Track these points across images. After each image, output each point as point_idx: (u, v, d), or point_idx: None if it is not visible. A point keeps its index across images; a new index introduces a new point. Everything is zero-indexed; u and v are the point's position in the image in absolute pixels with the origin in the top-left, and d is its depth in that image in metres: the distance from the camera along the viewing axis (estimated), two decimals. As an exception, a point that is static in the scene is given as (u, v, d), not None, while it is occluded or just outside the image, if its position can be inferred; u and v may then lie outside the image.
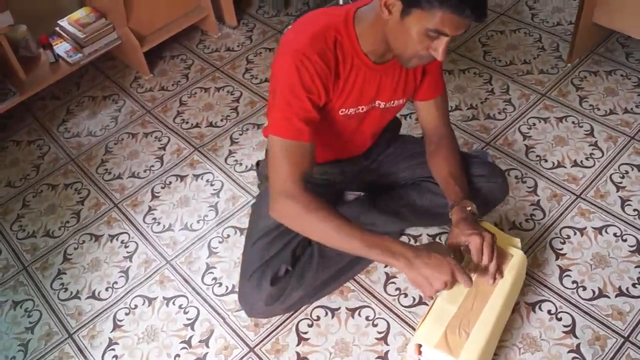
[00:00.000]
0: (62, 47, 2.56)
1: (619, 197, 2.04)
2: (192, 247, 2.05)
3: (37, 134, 2.55)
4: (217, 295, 1.90)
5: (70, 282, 2.00)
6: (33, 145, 2.50)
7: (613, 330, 1.71)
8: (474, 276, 1.57)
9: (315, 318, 1.82)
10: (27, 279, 2.03)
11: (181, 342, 1.81)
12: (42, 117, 2.62)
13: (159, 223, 2.14)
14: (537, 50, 2.65)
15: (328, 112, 1.55)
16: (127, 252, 2.06)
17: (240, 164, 2.30)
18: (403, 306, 1.82)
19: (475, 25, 2.77)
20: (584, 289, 1.81)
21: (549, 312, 1.76)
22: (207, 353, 1.78)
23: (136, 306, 1.91)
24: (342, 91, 1.52)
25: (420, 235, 1.98)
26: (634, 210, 1.99)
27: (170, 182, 2.27)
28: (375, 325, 1.79)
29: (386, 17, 1.37)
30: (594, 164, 2.15)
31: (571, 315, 1.75)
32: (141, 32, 2.66)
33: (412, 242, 1.96)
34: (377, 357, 1.72)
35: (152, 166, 2.34)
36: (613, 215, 1.99)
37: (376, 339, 1.76)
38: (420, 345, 1.52)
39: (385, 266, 1.90)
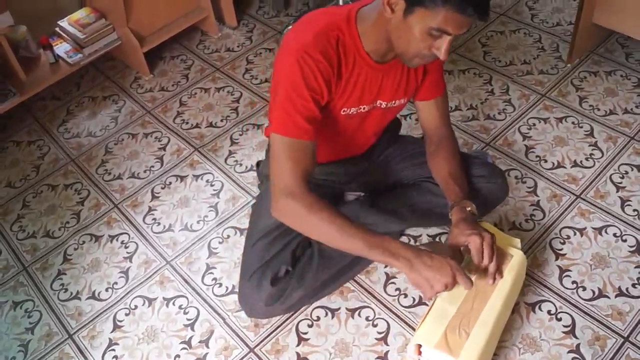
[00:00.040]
0: (62, 48, 2.56)
1: (619, 197, 2.04)
2: (192, 247, 2.05)
3: (37, 135, 2.55)
4: (217, 296, 1.90)
5: (70, 282, 2.00)
6: (33, 146, 2.51)
7: (613, 331, 1.71)
8: (473, 277, 1.57)
9: (315, 318, 1.82)
10: (27, 280, 2.03)
11: (181, 343, 1.81)
12: (42, 118, 2.63)
13: (159, 223, 2.14)
14: (537, 50, 2.65)
15: (330, 112, 1.55)
16: (127, 253, 2.06)
17: (240, 165, 2.30)
18: (403, 306, 1.82)
19: (475, 25, 2.77)
20: (584, 289, 1.81)
21: (548, 312, 1.76)
22: (207, 353, 1.78)
23: (136, 307, 1.91)
24: (344, 90, 1.52)
25: (420, 235, 1.98)
26: (634, 210, 1.99)
27: (170, 183, 2.27)
28: (375, 326, 1.79)
29: (389, 16, 1.37)
30: (594, 165, 2.15)
31: (571, 316, 1.75)
32: (141, 32, 2.66)
33: (412, 242, 1.97)
34: (377, 358, 1.72)
35: (152, 166, 2.34)
36: (613, 216, 1.99)
37: (376, 339, 1.76)
38: (420, 346, 1.52)
39: (385, 266, 1.90)
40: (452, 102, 2.43)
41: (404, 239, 1.98)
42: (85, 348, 1.83)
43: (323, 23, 1.46)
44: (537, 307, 1.78)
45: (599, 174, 2.12)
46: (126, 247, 2.08)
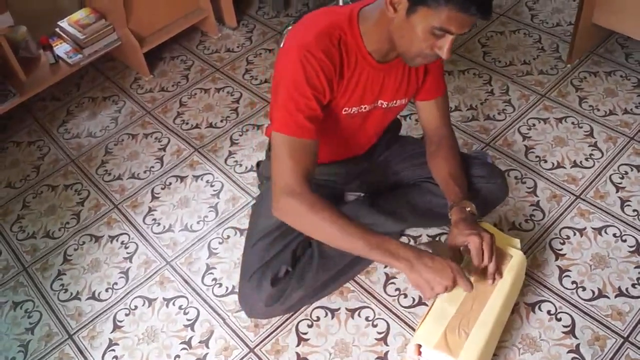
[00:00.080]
0: (62, 48, 2.56)
1: (619, 197, 2.04)
2: (192, 248, 2.05)
3: (37, 135, 2.55)
4: (217, 296, 1.90)
5: (70, 283, 2.00)
6: (33, 146, 2.51)
7: (612, 331, 1.71)
8: (473, 277, 1.57)
9: (315, 319, 1.82)
10: (27, 280, 2.03)
11: (181, 343, 1.81)
12: (42, 118, 2.63)
13: (159, 224, 2.14)
14: (537, 51, 2.65)
15: (331, 111, 1.55)
16: (127, 253, 2.07)
17: (240, 165, 2.30)
18: (403, 307, 1.82)
19: (476, 24, 2.77)
20: (584, 289, 1.81)
21: (548, 312, 1.76)
22: (207, 354, 1.78)
23: (136, 307, 1.91)
24: (346, 89, 1.52)
25: (420, 235, 1.98)
26: (634, 210, 2.00)
27: (170, 183, 2.27)
28: (375, 326, 1.79)
29: (391, 15, 1.37)
30: (594, 165, 2.15)
31: (571, 316, 1.75)
32: (141, 33, 2.66)
33: (411, 242, 1.97)
34: (377, 358, 1.72)
35: (152, 167, 2.34)
36: (612, 216, 1.99)
37: (376, 339, 1.76)
38: (420, 346, 1.52)
39: (385, 267, 1.90)
40: (452, 102, 2.43)
41: (404, 239, 1.98)
42: (85, 348, 1.83)
43: (325, 23, 1.46)
44: (536, 307, 1.78)
45: (598, 174, 2.12)
46: (126, 248, 2.08)
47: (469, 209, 1.59)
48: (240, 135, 2.42)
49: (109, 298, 1.95)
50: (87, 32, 2.50)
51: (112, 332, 1.86)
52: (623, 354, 1.66)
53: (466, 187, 1.68)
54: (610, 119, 2.30)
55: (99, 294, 1.96)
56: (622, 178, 2.10)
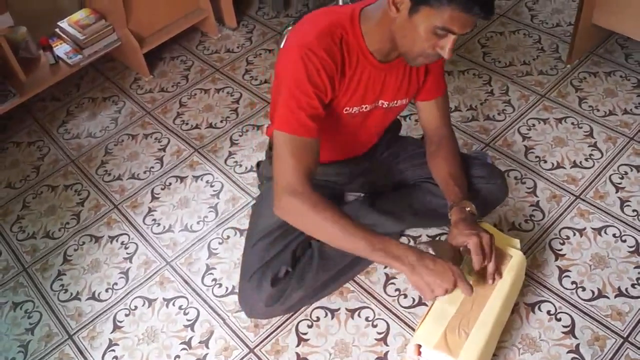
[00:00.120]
0: (62, 49, 2.57)
1: (618, 197, 2.04)
2: (192, 248, 2.05)
3: (37, 136, 2.55)
4: (217, 296, 1.90)
5: (70, 283, 2.00)
6: (33, 147, 2.51)
7: (612, 331, 1.71)
8: (472, 278, 1.57)
9: (315, 319, 1.82)
10: (27, 280, 2.03)
11: (181, 343, 1.81)
12: (42, 119, 2.63)
13: (159, 224, 2.14)
14: (537, 51, 2.65)
15: (333, 110, 1.55)
16: (127, 254, 2.07)
17: (240, 165, 2.30)
18: (402, 307, 1.82)
19: (476, 25, 2.77)
20: (583, 289, 1.81)
21: (548, 312, 1.77)
22: (207, 354, 1.78)
23: (136, 307, 1.91)
24: (348, 89, 1.52)
25: (420, 235, 1.99)
26: (633, 210, 2.00)
27: (170, 184, 2.27)
28: (375, 326, 1.79)
29: (394, 15, 1.38)
30: (594, 165, 2.15)
31: (570, 316, 1.75)
32: (141, 33, 2.66)
33: (411, 242, 1.97)
34: (377, 358, 1.72)
35: (152, 167, 2.35)
36: (612, 216, 1.99)
37: (376, 339, 1.76)
38: (419, 346, 1.52)
39: (385, 267, 1.90)
40: (452, 102, 2.43)
41: (404, 239, 1.98)
42: (85, 349, 1.83)
43: (326, 22, 1.46)
44: (536, 307, 1.78)
45: (598, 175, 2.12)
46: (126, 248, 2.08)
47: (468, 209, 1.59)
48: (240, 136, 2.42)
49: (109, 298, 1.95)
50: (87, 32, 2.50)
51: (112, 333, 1.86)
52: (623, 354, 1.67)
53: (466, 188, 1.68)
54: (610, 119, 2.30)
55: (99, 294, 1.96)
56: (622, 178, 2.10)
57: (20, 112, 2.60)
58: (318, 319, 1.82)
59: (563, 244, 1.93)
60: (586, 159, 2.17)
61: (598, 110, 2.34)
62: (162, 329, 1.85)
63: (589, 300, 1.79)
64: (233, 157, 2.34)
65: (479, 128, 2.33)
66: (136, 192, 2.26)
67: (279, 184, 1.46)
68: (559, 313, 1.76)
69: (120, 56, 2.81)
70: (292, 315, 1.82)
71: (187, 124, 2.51)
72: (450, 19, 1.31)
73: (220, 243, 2.05)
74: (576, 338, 1.71)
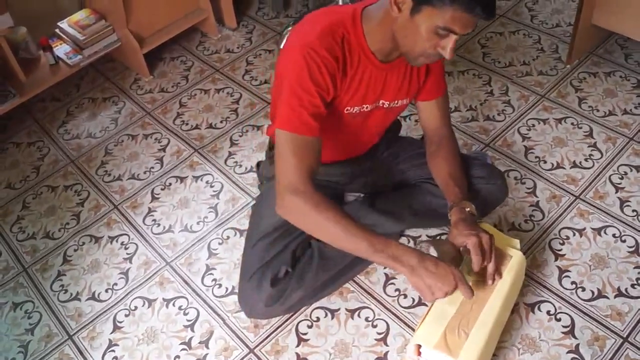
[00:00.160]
0: (62, 49, 2.57)
1: (618, 198, 2.04)
2: (192, 248, 2.05)
3: (37, 136, 2.55)
4: (216, 297, 1.91)
5: (70, 283, 2.00)
6: (33, 147, 2.51)
7: (612, 331, 1.72)
8: (472, 278, 1.57)
9: (315, 319, 1.82)
10: (27, 281, 2.03)
11: (181, 344, 1.81)
12: (42, 119, 2.63)
13: (158, 224, 2.14)
14: (537, 51, 2.65)
15: (334, 110, 1.55)
16: (127, 254, 2.07)
17: (240, 166, 2.31)
18: (402, 307, 1.82)
19: (477, 25, 2.77)
20: (583, 289, 1.81)
21: (548, 312, 1.77)
22: (207, 354, 1.78)
23: (136, 307, 1.91)
24: (349, 88, 1.52)
25: (420, 236, 1.99)
26: (633, 211, 2.00)
27: (170, 184, 2.28)
28: (374, 326, 1.79)
29: (395, 14, 1.38)
30: (593, 165, 2.15)
31: (570, 316, 1.75)
32: (141, 33, 2.67)
33: (411, 242, 1.97)
34: (377, 358, 1.72)
35: (152, 168, 2.35)
36: (612, 216, 1.99)
37: (376, 339, 1.76)
38: (419, 346, 1.52)
39: (385, 267, 1.90)
40: (452, 103, 2.43)
41: (404, 239, 1.98)
42: (85, 349, 1.83)
43: (328, 21, 1.46)
44: (536, 307, 1.78)
45: (598, 175, 2.12)
46: (126, 248, 2.08)
47: (468, 209, 1.59)
48: (240, 136, 2.43)
49: (109, 299, 1.95)
50: (87, 33, 2.50)
51: (112, 333, 1.86)
52: (622, 354, 1.67)
53: (466, 188, 1.68)
54: (609, 120, 2.30)
55: (98, 294, 1.96)
56: (622, 178, 2.10)
57: (20, 112, 2.61)
58: (318, 319, 1.82)
59: (563, 244, 1.93)
60: (586, 159, 2.17)
61: (598, 110, 2.35)
62: (162, 329, 1.85)
63: (589, 300, 1.79)
64: (233, 158, 2.34)
65: (478, 128, 2.34)
66: (136, 192, 2.26)
67: (281, 183, 1.45)
68: (558, 313, 1.76)
69: (120, 56, 2.81)
70: (292, 315, 1.83)
71: (187, 124, 2.51)
72: (452, 19, 1.31)
73: (220, 243, 2.05)
74: (576, 338, 1.71)
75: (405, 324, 1.78)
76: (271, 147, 1.88)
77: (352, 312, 1.82)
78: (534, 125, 2.32)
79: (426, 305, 1.80)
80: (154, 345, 1.82)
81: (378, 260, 1.44)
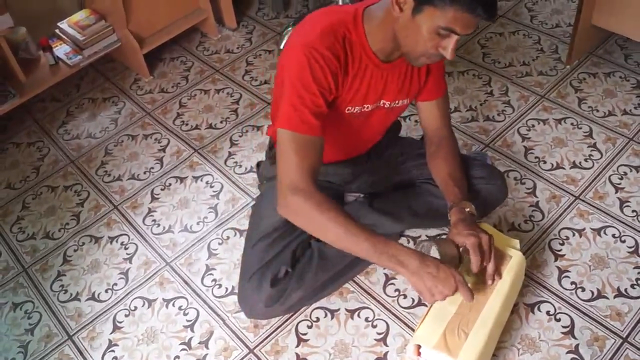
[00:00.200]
0: (61, 49, 2.57)
1: (618, 198, 2.04)
2: (192, 248, 2.05)
3: (37, 136, 2.55)
4: (216, 297, 1.91)
5: (70, 283, 2.00)
6: (33, 147, 2.51)
7: (612, 331, 1.72)
8: (472, 278, 1.57)
9: (315, 319, 1.82)
10: (27, 281, 2.03)
11: (181, 344, 1.81)
12: (42, 119, 2.63)
13: (158, 225, 2.14)
14: (536, 52, 2.65)
15: (335, 110, 1.55)
16: (127, 254, 2.07)
17: (240, 166, 2.31)
18: (402, 307, 1.82)
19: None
20: (583, 289, 1.81)
21: (547, 313, 1.77)
22: (206, 354, 1.78)
23: (136, 308, 1.91)
24: (350, 88, 1.52)
25: (420, 236, 1.99)
26: (633, 211, 2.00)
27: (170, 184, 2.28)
28: (374, 327, 1.79)
29: (397, 14, 1.38)
30: (593, 166, 2.15)
31: (570, 316, 1.76)
32: (141, 34, 2.67)
33: (411, 243, 1.97)
34: (377, 358, 1.72)
35: (152, 168, 2.35)
36: (612, 217, 1.99)
37: (375, 340, 1.76)
38: (419, 346, 1.53)
39: (384, 268, 1.90)
40: (452, 103, 2.43)
41: (403, 239, 1.98)
42: (85, 349, 1.83)
43: (329, 21, 1.46)
44: (536, 307, 1.78)
45: (597, 175, 2.12)
46: (126, 249, 2.08)
47: (468, 209, 1.59)
48: (240, 136, 2.43)
49: (109, 299, 1.95)
50: (87, 33, 2.50)
51: (111, 333, 1.86)
52: (622, 355, 1.67)
53: (466, 188, 1.68)
54: (609, 120, 2.30)
55: (98, 294, 1.96)
56: (621, 179, 2.10)
57: (20, 112, 2.61)
58: (318, 319, 1.82)
59: (562, 244, 1.93)
60: (585, 160, 2.17)
61: (597, 110, 2.35)
62: (161, 330, 1.85)
63: (589, 300, 1.79)
64: (233, 158, 2.34)
65: (478, 129, 2.34)
66: (136, 192, 2.26)
67: (282, 182, 1.45)
68: (558, 313, 1.76)
69: (120, 57, 2.81)
70: (292, 315, 1.83)
71: (187, 124, 2.51)
72: (453, 19, 1.32)
73: (220, 244, 2.05)
74: (575, 338, 1.71)
75: (405, 324, 1.78)
76: (271, 147, 1.88)
77: (351, 312, 1.82)
78: (533, 126, 2.32)
79: (426, 306, 1.80)
80: (154, 345, 1.82)
81: (379, 262, 1.44)
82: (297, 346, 1.77)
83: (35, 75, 2.51)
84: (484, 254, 1.51)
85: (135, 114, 2.59)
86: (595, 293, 1.80)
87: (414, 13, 1.35)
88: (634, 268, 1.85)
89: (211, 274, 1.97)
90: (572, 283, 1.83)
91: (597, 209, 2.02)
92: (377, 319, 1.80)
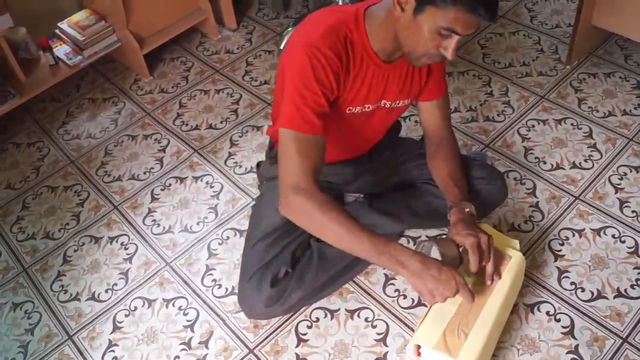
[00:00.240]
0: (61, 50, 2.57)
1: (618, 198, 2.04)
2: (192, 248, 2.05)
3: (37, 136, 2.55)
4: (216, 297, 1.91)
5: (70, 283, 2.00)
6: (33, 148, 2.51)
7: (611, 332, 1.72)
8: (472, 278, 1.57)
9: (315, 319, 1.82)
10: (27, 281, 2.04)
11: (181, 344, 1.81)
12: (42, 120, 2.63)
13: (158, 225, 2.14)
14: (536, 52, 2.65)
15: (336, 109, 1.55)
16: (127, 254, 2.07)
17: (240, 166, 2.31)
18: (402, 307, 1.82)
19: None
20: (583, 290, 1.81)
21: (547, 313, 1.77)
22: (206, 354, 1.78)
23: (136, 308, 1.92)
24: (352, 88, 1.52)
25: (420, 236, 1.99)
26: (633, 211, 2.00)
27: (170, 184, 2.28)
28: (374, 327, 1.79)
29: (398, 14, 1.38)
30: (593, 166, 2.15)
31: (570, 317, 1.76)
32: (141, 34, 2.67)
33: (410, 243, 1.97)
34: (376, 358, 1.72)
35: (152, 168, 2.35)
36: (611, 217, 1.99)
37: (375, 340, 1.76)
38: (419, 346, 1.53)
39: (384, 268, 1.90)
40: (452, 103, 2.43)
41: (403, 240, 1.98)
42: (85, 349, 1.83)
43: (330, 21, 1.46)
44: (536, 308, 1.78)
45: (597, 176, 2.12)
46: (126, 249, 2.08)
47: (467, 209, 1.59)
48: (240, 137, 2.43)
49: (109, 299, 1.95)
50: (87, 33, 2.50)
51: (111, 333, 1.86)
52: (622, 355, 1.67)
53: (466, 189, 1.68)
54: (609, 120, 2.30)
55: (98, 294, 1.96)
56: (621, 179, 2.10)
57: (20, 113, 2.61)
58: (317, 319, 1.82)
59: (562, 244, 1.93)
60: (585, 160, 2.17)
61: (597, 111, 2.35)
62: (161, 330, 1.85)
63: (588, 301, 1.79)
64: (233, 158, 2.34)
65: (478, 129, 2.34)
66: (136, 193, 2.26)
67: (284, 182, 1.44)
68: (558, 314, 1.76)
69: (120, 57, 2.81)
70: (292, 315, 1.83)
71: (187, 124, 2.51)
72: (454, 19, 1.32)
73: (220, 244, 2.05)
74: (575, 339, 1.71)
75: (405, 324, 1.78)
76: (271, 148, 1.88)
77: (351, 312, 1.82)
78: (533, 126, 2.32)
79: (425, 306, 1.80)
80: (154, 345, 1.82)
81: (380, 262, 1.43)
82: (297, 346, 1.77)
83: (35, 75, 2.51)
84: (482, 254, 1.51)
85: (135, 114, 2.60)
86: (595, 293, 1.80)
87: (416, 13, 1.35)
88: (634, 268, 1.85)
89: (211, 274, 1.97)
90: (572, 283, 1.83)
91: (597, 209, 2.02)
92: (377, 319, 1.80)
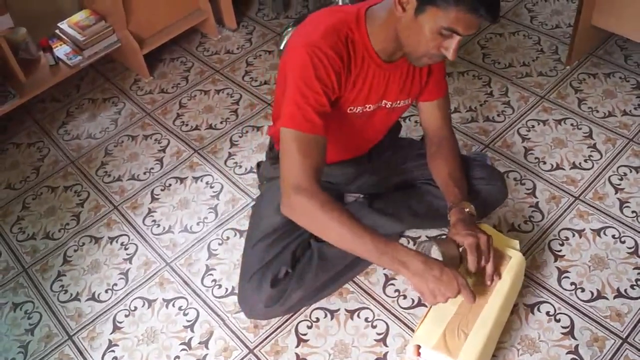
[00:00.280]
0: (62, 50, 2.57)
1: (618, 199, 2.04)
2: (192, 249, 2.05)
3: (37, 137, 2.55)
4: (216, 297, 1.91)
5: (70, 284, 2.00)
6: (33, 148, 2.51)
7: (611, 332, 1.72)
8: (472, 278, 1.57)
9: (315, 319, 1.82)
10: (27, 281, 2.04)
11: (181, 344, 1.81)
12: (42, 120, 2.63)
13: (158, 225, 2.14)
14: (536, 52, 2.65)
15: (337, 109, 1.55)
16: (127, 254, 2.07)
17: (240, 166, 2.31)
18: (402, 308, 1.82)
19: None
20: (583, 290, 1.81)
21: (547, 313, 1.77)
22: (206, 354, 1.78)
23: (136, 308, 1.92)
24: (353, 88, 1.52)
25: (420, 237, 1.99)
26: (632, 212, 2.00)
27: (170, 185, 2.28)
28: (374, 327, 1.79)
29: (400, 14, 1.38)
30: (593, 166, 2.15)
31: (570, 317, 1.76)
32: (141, 34, 2.67)
33: (411, 243, 1.97)
34: (376, 359, 1.72)
35: (152, 168, 2.35)
36: (611, 217, 1.99)
37: (375, 340, 1.76)
38: (419, 347, 1.53)
39: (384, 268, 1.90)
40: (452, 104, 2.43)
41: (403, 240, 1.98)
42: (85, 349, 1.83)
43: (332, 21, 1.46)
44: (536, 308, 1.78)
45: (597, 176, 2.12)
46: (126, 249, 2.08)
47: (467, 210, 1.59)
48: (240, 137, 2.43)
49: (109, 299, 1.95)
50: (87, 33, 2.50)
51: (111, 333, 1.86)
52: (622, 355, 1.67)
53: (466, 189, 1.68)
54: (609, 121, 2.30)
55: (98, 295, 1.96)
56: (621, 179, 2.10)
57: (20, 113, 2.61)
58: (317, 319, 1.82)
59: (562, 245, 1.93)
60: (585, 160, 2.18)
61: (597, 111, 2.35)
62: (161, 330, 1.85)
63: (588, 301, 1.79)
64: (233, 158, 2.34)
65: (478, 129, 2.34)
66: (136, 193, 2.26)
67: (286, 181, 1.44)
68: (558, 314, 1.76)
69: (120, 57, 2.81)
70: (292, 316, 1.83)
71: (187, 125, 2.51)
72: (456, 19, 1.32)
73: (220, 244, 2.05)
74: (575, 339, 1.71)
75: (405, 324, 1.78)
76: (271, 148, 1.88)
77: (351, 312, 1.82)
78: (533, 126, 2.32)
79: (426, 306, 1.80)
80: (154, 345, 1.82)
81: (381, 262, 1.43)
82: (297, 346, 1.77)
83: (35, 75, 2.51)
84: (482, 254, 1.51)
85: (135, 114, 2.60)
86: (595, 294, 1.80)
87: (417, 13, 1.35)
88: (634, 269, 1.85)
89: (211, 274, 1.97)
90: (572, 284, 1.83)
91: (597, 209, 2.02)
92: (377, 320, 1.80)
